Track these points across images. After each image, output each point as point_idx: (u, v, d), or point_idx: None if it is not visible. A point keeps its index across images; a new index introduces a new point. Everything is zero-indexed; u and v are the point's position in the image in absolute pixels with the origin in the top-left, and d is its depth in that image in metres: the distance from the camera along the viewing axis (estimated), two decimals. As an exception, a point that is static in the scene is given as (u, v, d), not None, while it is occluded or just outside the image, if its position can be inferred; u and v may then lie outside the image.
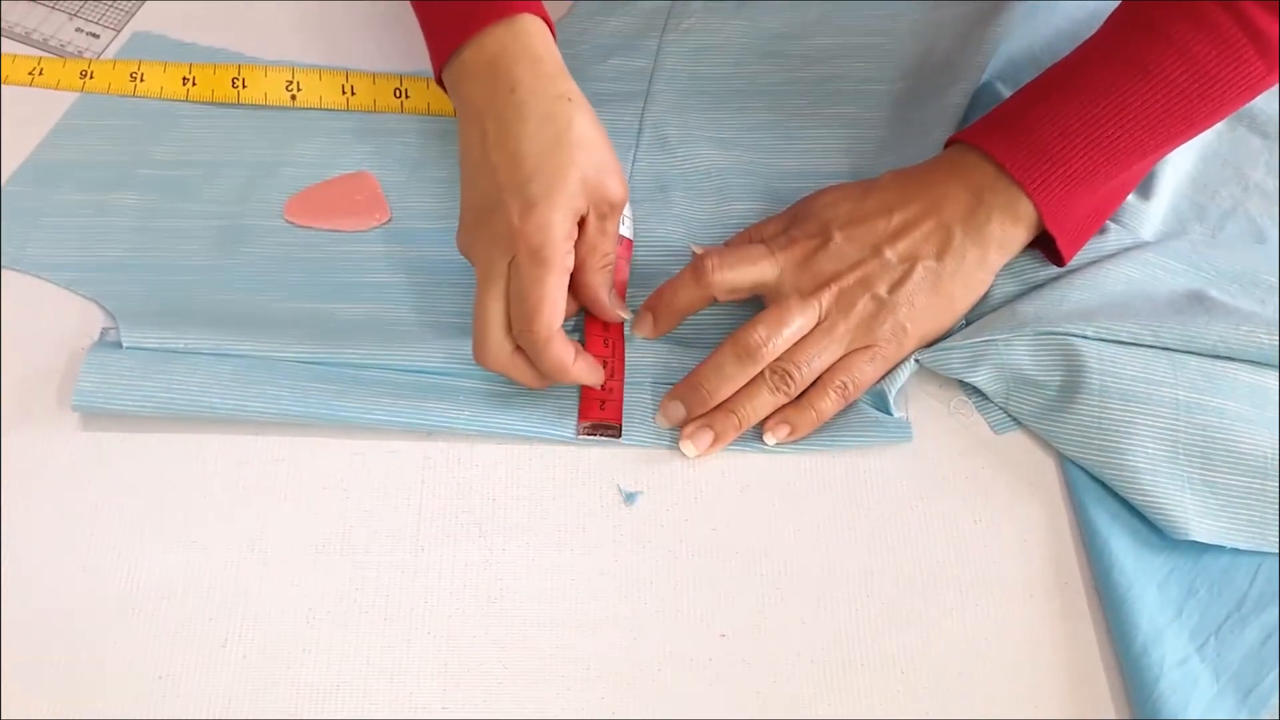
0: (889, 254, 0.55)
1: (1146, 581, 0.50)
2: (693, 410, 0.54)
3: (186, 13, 0.71)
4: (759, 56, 0.69)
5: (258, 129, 0.66)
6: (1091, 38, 0.56)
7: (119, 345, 0.55)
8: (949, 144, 0.58)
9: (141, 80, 0.67)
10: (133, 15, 0.71)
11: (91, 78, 0.67)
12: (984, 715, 0.49)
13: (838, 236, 0.55)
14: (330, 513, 0.53)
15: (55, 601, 0.50)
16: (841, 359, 0.55)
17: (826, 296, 0.54)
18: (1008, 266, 0.57)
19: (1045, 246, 0.57)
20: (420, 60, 0.60)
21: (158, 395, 0.54)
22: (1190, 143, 0.64)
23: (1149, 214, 0.61)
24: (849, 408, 0.55)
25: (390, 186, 0.64)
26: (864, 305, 0.54)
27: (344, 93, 0.67)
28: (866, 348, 0.54)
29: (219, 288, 0.60)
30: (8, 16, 0.70)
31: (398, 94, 0.67)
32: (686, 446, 0.54)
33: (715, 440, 0.54)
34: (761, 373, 0.54)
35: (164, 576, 0.51)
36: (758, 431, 0.55)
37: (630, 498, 0.54)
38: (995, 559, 0.52)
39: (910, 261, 0.55)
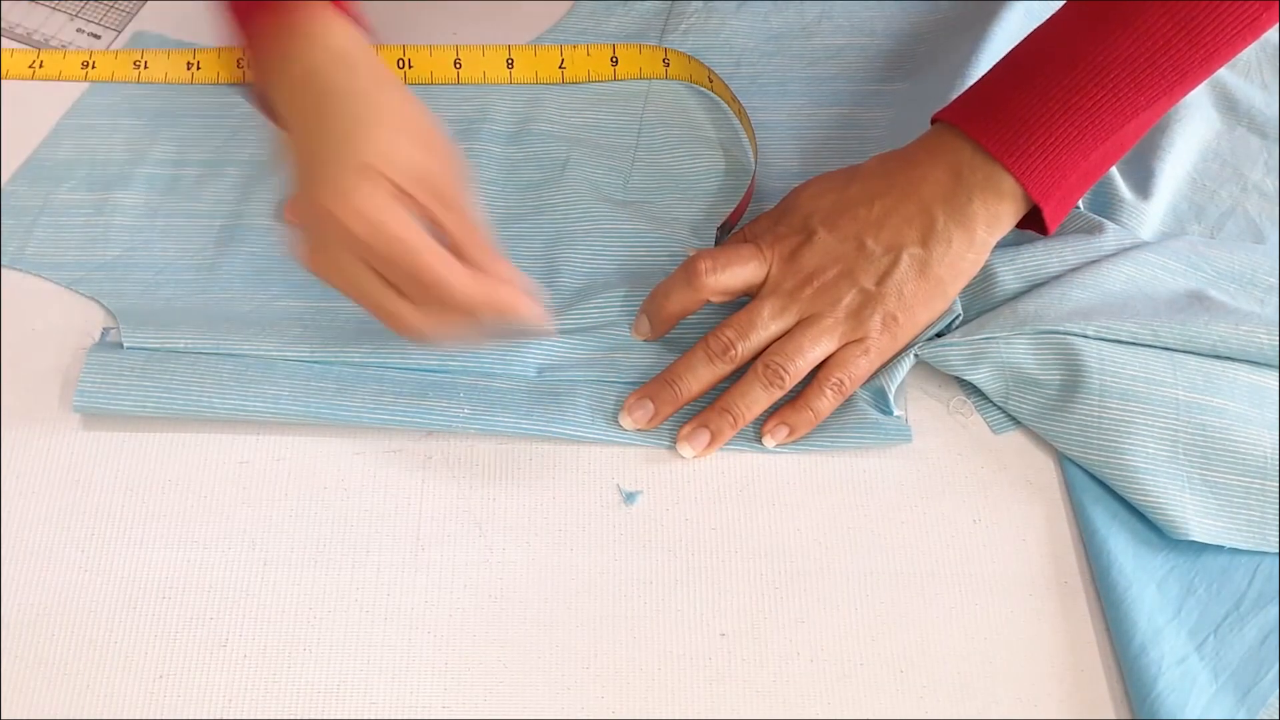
0: (872, 245, 0.54)
1: (1145, 580, 0.50)
2: (661, 406, 0.54)
3: (187, 13, 0.70)
4: (759, 56, 0.69)
5: (258, 128, 0.66)
6: (1068, 2, 0.54)
7: (120, 345, 0.55)
8: (932, 122, 0.56)
9: (145, 68, 0.67)
10: (133, 16, 0.71)
11: (94, 68, 0.67)
12: (983, 715, 0.49)
13: (821, 230, 0.55)
14: (330, 513, 0.53)
15: (55, 601, 0.50)
16: (835, 354, 0.54)
17: (810, 292, 0.54)
18: (1010, 261, 0.57)
19: (1031, 215, 0.55)
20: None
21: (158, 395, 0.54)
22: (1189, 143, 0.64)
23: (1148, 214, 0.61)
24: (849, 409, 0.55)
25: (390, 186, 0.64)
26: (851, 298, 0.54)
27: None
28: (859, 340, 0.54)
29: (220, 287, 0.60)
30: (8, 17, 0.70)
31: (401, 64, 0.67)
32: (684, 448, 0.54)
33: (712, 440, 0.54)
34: (755, 369, 0.54)
35: (164, 576, 0.51)
36: (757, 431, 0.55)
37: (630, 498, 0.54)
38: (995, 559, 0.52)
39: (894, 251, 0.54)
